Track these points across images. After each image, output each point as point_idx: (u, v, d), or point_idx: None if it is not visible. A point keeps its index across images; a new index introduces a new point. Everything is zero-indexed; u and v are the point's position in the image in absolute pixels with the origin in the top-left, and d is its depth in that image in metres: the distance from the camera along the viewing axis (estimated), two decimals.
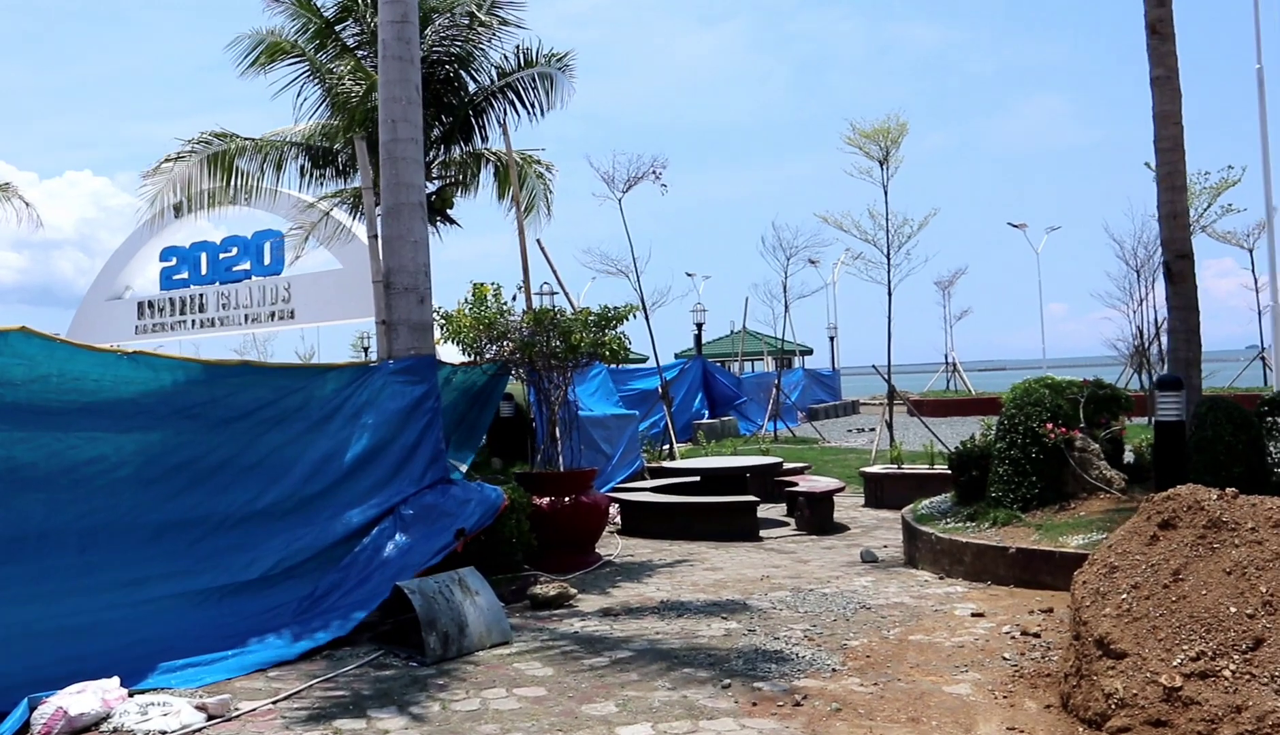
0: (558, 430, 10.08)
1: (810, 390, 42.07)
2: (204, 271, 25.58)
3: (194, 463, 7.01)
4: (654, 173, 21.61)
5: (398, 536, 7.91)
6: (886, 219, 19.83)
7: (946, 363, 48.13)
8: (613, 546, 11.15)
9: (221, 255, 25.38)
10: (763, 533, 11.85)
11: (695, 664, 6.24)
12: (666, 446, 20.17)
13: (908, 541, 9.83)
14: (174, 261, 26.30)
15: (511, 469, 15.43)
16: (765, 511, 12.91)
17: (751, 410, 31.42)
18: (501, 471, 15.89)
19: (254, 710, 5.51)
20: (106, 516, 6.39)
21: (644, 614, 7.79)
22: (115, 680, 5.54)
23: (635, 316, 9.96)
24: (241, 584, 7.05)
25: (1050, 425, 9.13)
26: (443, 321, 9.68)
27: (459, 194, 18.45)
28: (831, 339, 50.73)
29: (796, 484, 13.00)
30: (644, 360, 36.62)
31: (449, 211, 17.53)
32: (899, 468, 14.95)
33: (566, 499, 9.64)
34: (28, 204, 29.73)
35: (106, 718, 5.22)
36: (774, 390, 27.81)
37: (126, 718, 5.16)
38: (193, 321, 25.78)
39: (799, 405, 35.60)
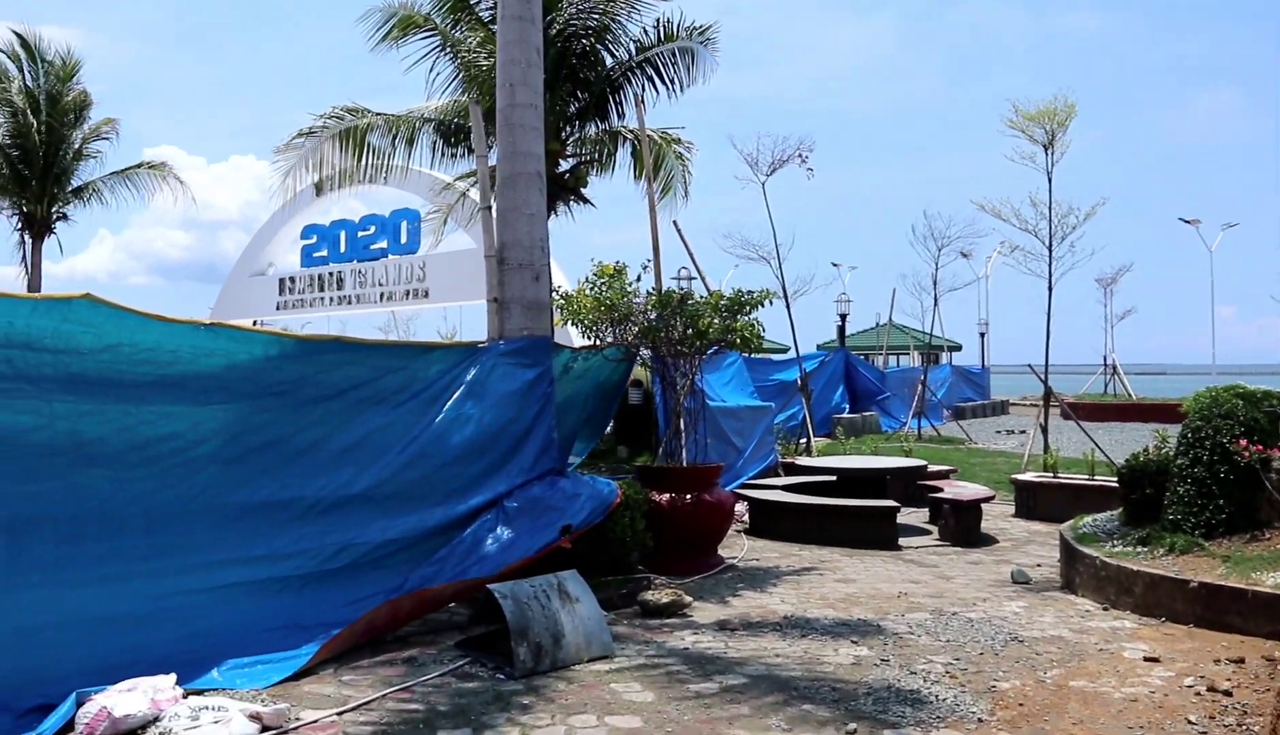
0: (683, 422, 9.33)
1: (957, 388, 40.34)
2: (343, 249, 25.80)
3: (281, 443, 6.52)
4: (800, 156, 20.61)
5: (499, 530, 7.31)
6: (1050, 207, 18.34)
7: (1105, 365, 45.53)
8: (737, 548, 10.36)
9: (360, 233, 25.54)
10: (902, 541, 10.89)
11: (816, 699, 5.41)
12: (803, 440, 19.25)
13: (1066, 563, 8.75)
14: (314, 239, 26.62)
15: (637, 459, 14.81)
16: (905, 517, 11.91)
17: (894, 406, 30.13)
18: (627, 461, 15.28)
19: (314, 722, 4.94)
20: (179, 496, 5.94)
21: (764, 631, 6.98)
22: (170, 678, 5.06)
23: (771, 302, 9.12)
24: (326, 573, 6.54)
25: (1244, 442, 7.91)
26: (561, 301, 9.05)
27: (594, 173, 17.88)
28: (982, 335, 48.63)
29: (941, 489, 11.96)
30: (784, 350, 35.64)
31: (583, 191, 16.99)
32: (1054, 476, 13.70)
33: (688, 496, 8.90)
34: (182, 183, 30.59)
35: (155, 720, 4.73)
36: (919, 386, 26.45)
37: (176, 722, 4.66)
38: (330, 298, 26.03)
39: (945, 403, 34.03)
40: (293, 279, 27.30)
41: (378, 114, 16.25)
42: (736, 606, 7.78)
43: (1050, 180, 18.65)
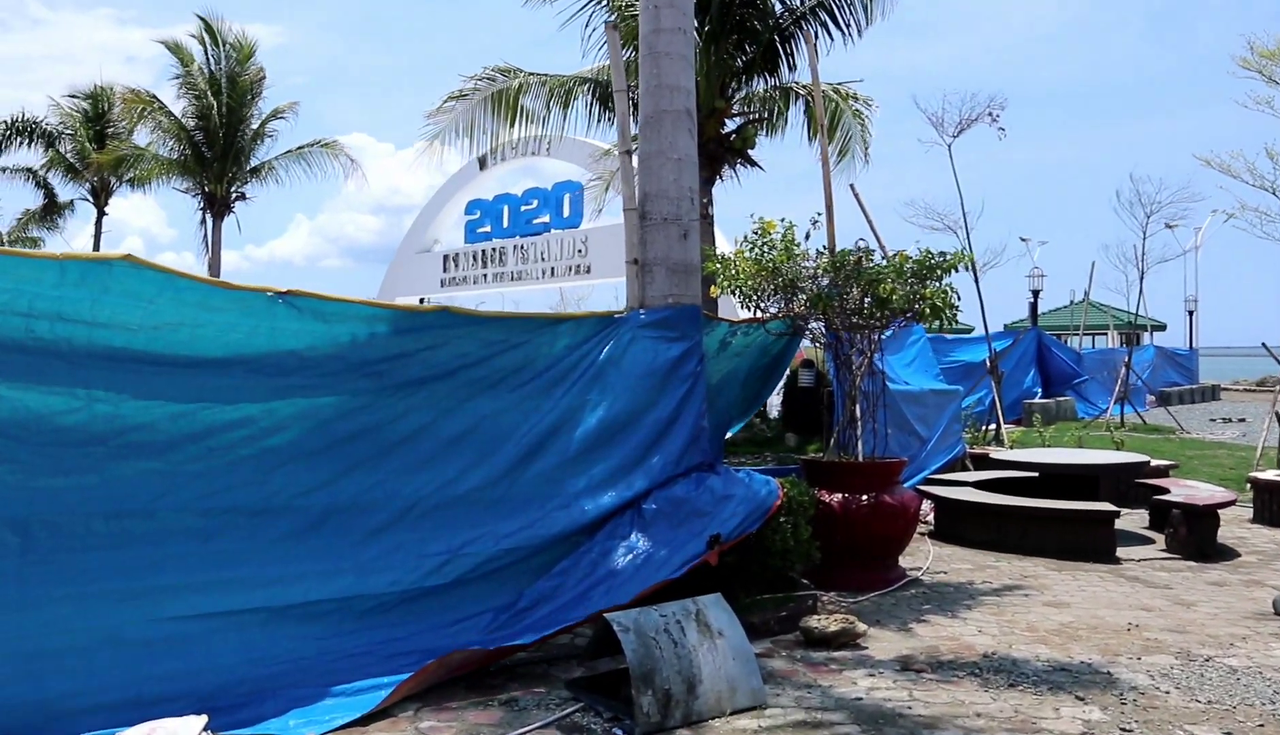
0: (858, 408, 7.93)
1: (1162, 371, 36.98)
2: (505, 224, 25.18)
3: (374, 432, 5.49)
4: (990, 114, 18.56)
5: (633, 538, 6.10)
6: None
7: (1269, 352, 41.01)
8: (921, 557, 8.88)
9: (523, 208, 24.84)
10: (1120, 552, 9.17)
11: None
12: (992, 428, 17.40)
13: None
14: (477, 215, 26.10)
15: (809, 448, 13.40)
16: (1121, 522, 10.13)
17: (1091, 391, 27.59)
18: (796, 449, 13.88)
19: None
20: (248, 496, 4.98)
21: (958, 674, 5.56)
22: (199, 721, 4.06)
23: (968, 267, 7.60)
24: (425, 590, 5.48)
25: None
26: (718, 265, 7.75)
27: (763, 134, 16.50)
28: (1190, 313, 44.66)
29: (1167, 490, 10.13)
30: (968, 330, 33.28)
31: (750, 153, 15.64)
32: None
33: (864, 497, 7.50)
34: (353, 161, 30.73)
35: None
36: (1123, 369, 23.95)
37: None
38: (493, 275, 25.47)
39: (1148, 388, 31.10)
40: (457, 256, 26.90)
41: (531, 74, 15.29)
42: (922, 636, 6.37)
43: None
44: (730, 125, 15.46)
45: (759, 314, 7.73)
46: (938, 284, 7.39)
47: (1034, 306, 29.72)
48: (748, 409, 9.17)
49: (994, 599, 7.40)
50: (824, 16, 14.55)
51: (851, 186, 14.47)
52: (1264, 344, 17.48)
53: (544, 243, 24.35)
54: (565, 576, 5.92)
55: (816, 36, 14.61)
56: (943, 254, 7.46)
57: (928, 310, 7.24)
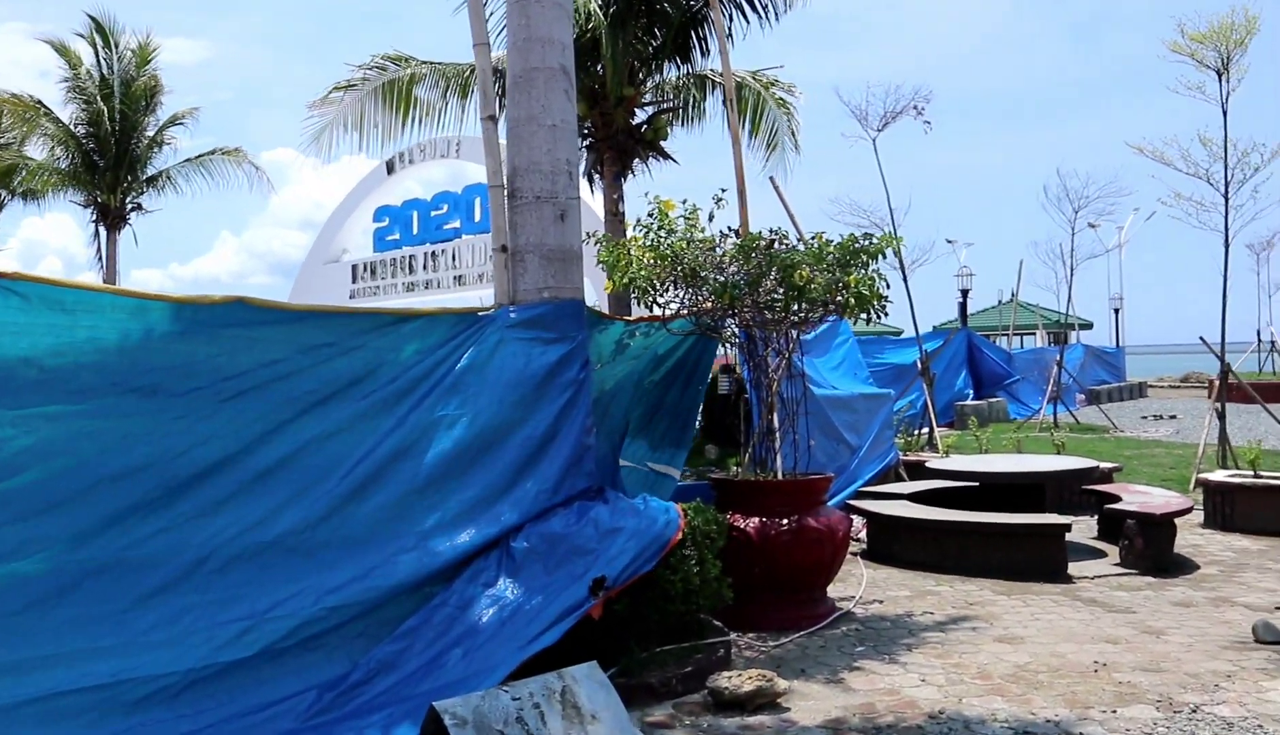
0: (776, 416, 6.86)
1: (1091, 369, 36.70)
2: (415, 231, 23.82)
3: (152, 468, 4.26)
4: (915, 107, 17.76)
5: (500, 585, 4.93)
6: (1225, 145, 15.21)
7: (1259, 340, 41.15)
8: (853, 582, 7.84)
9: (432, 213, 23.49)
10: (1072, 567, 8.23)
11: None
12: (925, 432, 16.53)
13: None
14: (386, 222, 24.72)
15: (731, 460, 12.31)
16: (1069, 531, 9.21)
17: (1024, 391, 27.06)
18: (718, 462, 12.77)
19: None
20: None
21: None
22: None
23: (895, 252, 6.57)
24: (224, 666, 4.25)
25: None
26: (605, 256, 6.63)
27: (678, 126, 15.45)
28: (1116, 311, 44.67)
29: (1118, 498, 9.22)
30: (898, 332, 32.60)
31: (663, 145, 14.56)
32: (1255, 475, 10.80)
33: (784, 521, 6.43)
34: (258, 168, 29.25)
35: None
36: (1055, 368, 23.35)
37: None
38: (404, 285, 24.12)
39: (1080, 386, 30.70)
40: (366, 265, 25.49)
41: (425, 62, 14.05)
42: (855, 689, 5.30)
43: (1225, 114, 15.51)
44: (641, 115, 14.37)
45: (653, 308, 6.61)
46: (863, 271, 6.35)
47: (963, 306, 29.12)
48: (677, 424, 8.00)
49: (938, 635, 6.36)
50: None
51: (771, 179, 13.44)
52: (1201, 338, 16.84)
53: (455, 249, 23.08)
54: (413, 638, 4.73)
55: (731, 19, 13.61)
56: (868, 236, 6.43)
57: (852, 301, 6.16)
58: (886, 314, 6.52)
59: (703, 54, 14.10)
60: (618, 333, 7.00)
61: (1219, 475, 11.05)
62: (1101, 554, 9.05)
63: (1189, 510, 8.94)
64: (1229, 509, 10.56)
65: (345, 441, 4.84)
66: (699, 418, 14.53)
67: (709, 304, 6.41)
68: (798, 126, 15.90)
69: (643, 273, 6.33)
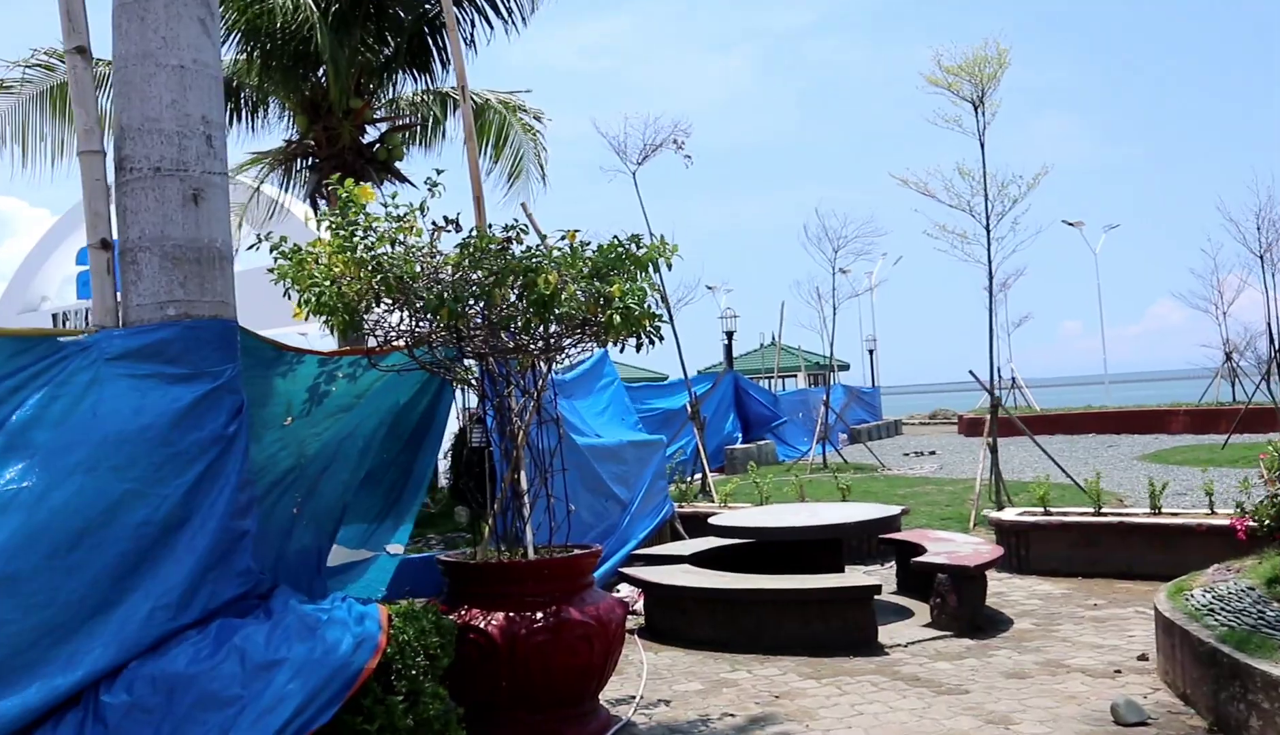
0: (523, 474, 5.25)
1: (851, 409, 37.18)
2: None
3: None
4: (675, 141, 16.78)
5: None
6: (984, 176, 14.90)
7: (997, 376, 43.02)
8: (632, 672, 6.31)
9: None
10: (881, 632, 7.01)
11: None
12: (697, 478, 15.36)
13: (1212, 686, 4.95)
14: (89, 266, 21.69)
15: (485, 525, 10.59)
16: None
17: (790, 433, 26.75)
18: (470, 527, 11.05)
19: None
20: None
21: None
22: None
23: (669, 263, 5.08)
24: None
25: None
26: (283, 268, 4.84)
27: (416, 145, 13.77)
28: (871, 352, 45.80)
29: (922, 548, 8.12)
30: (663, 378, 31.74)
31: (398, 166, 12.80)
32: (1046, 513, 10.07)
33: (539, 614, 4.80)
34: None
35: None
36: (823, 408, 22.94)
37: None
38: None
39: (846, 425, 30.79)
40: (67, 316, 22.22)
41: (108, 63, 11.76)
42: None
43: (983, 145, 15.26)
44: (373, 134, 12.59)
45: (345, 336, 4.87)
46: (632, 283, 4.84)
47: (729, 348, 28.56)
48: (396, 489, 6.23)
49: None
50: (480, 1, 12.04)
51: (524, 205, 11.91)
52: (971, 371, 16.51)
53: None
54: None
55: (473, 24, 12.09)
56: (635, 238, 4.94)
57: (616, 319, 4.62)
58: (661, 338, 5.04)
59: (443, 65, 12.50)
60: (310, 373, 5.22)
61: (1010, 515, 10.24)
62: (907, 612, 7.92)
63: (999, 559, 7.92)
64: (1024, 550, 9.79)
65: None
66: (443, 477, 12.79)
67: (425, 328, 4.72)
68: (546, 156, 14.54)
69: (334, 288, 4.59)
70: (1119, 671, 6.06)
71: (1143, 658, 6.32)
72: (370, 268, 4.57)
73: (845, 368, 47.19)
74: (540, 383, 5.14)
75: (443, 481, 13.24)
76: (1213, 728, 4.90)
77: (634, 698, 5.82)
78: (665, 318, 4.91)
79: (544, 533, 5.24)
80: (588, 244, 4.74)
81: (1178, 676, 5.46)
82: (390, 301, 4.60)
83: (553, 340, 4.84)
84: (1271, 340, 21.77)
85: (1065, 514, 10.03)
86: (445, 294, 4.32)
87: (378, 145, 12.46)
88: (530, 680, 4.76)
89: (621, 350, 4.94)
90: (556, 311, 4.40)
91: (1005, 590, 8.81)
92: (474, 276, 4.51)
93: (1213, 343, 30.64)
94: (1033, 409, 37.02)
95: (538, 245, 4.57)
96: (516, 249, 4.55)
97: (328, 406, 5.45)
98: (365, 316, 4.72)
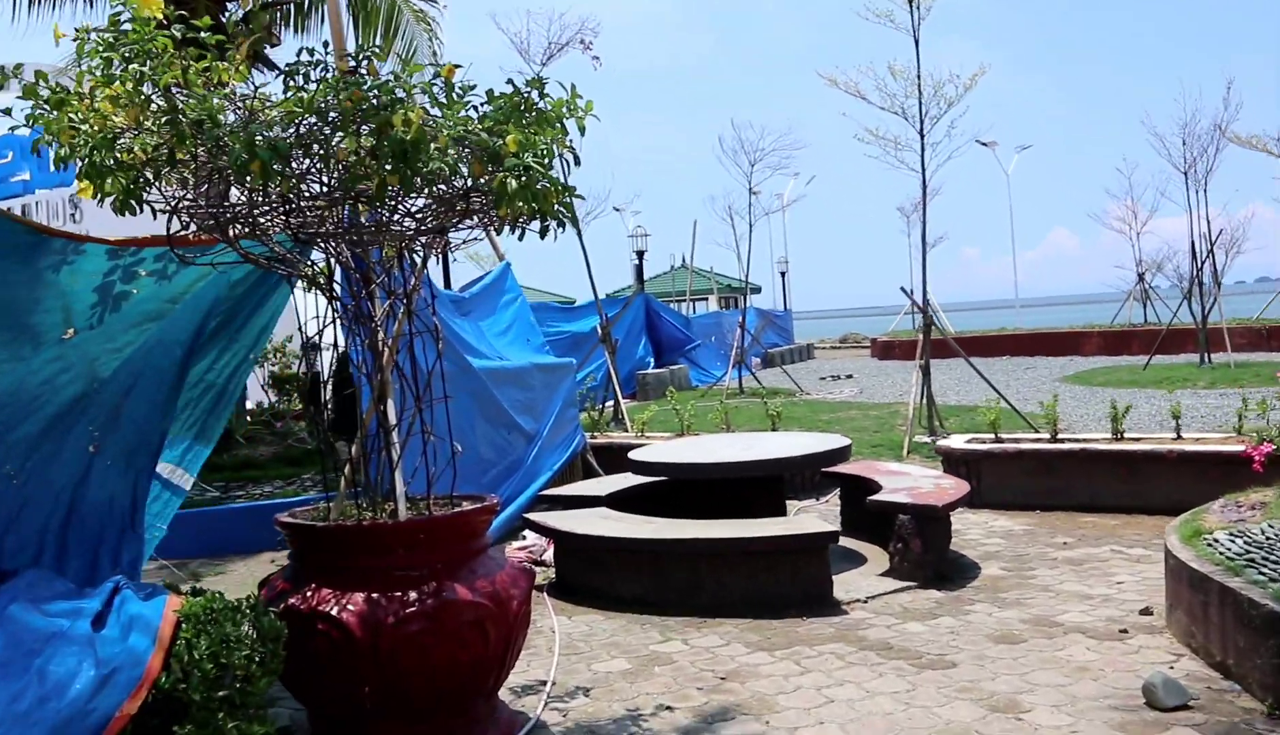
0: (391, 404, 3.93)
1: (765, 333, 36.38)
2: None
3: None
4: (583, 41, 15.21)
5: None
6: (919, 77, 13.73)
7: (928, 294, 42.55)
8: (543, 648, 5.09)
9: None
10: (837, 587, 5.90)
11: None
12: (609, 405, 14.17)
13: (1277, 659, 3.91)
14: None
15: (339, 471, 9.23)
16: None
17: (703, 356, 25.74)
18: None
19: None
20: None
21: None
22: None
23: (580, 126, 3.72)
24: None
25: None
26: (38, 114, 3.41)
27: (289, 30, 12.09)
28: (783, 275, 44.99)
29: (876, 484, 7.02)
30: (571, 301, 30.28)
31: (268, 53, 11.15)
32: (997, 440, 9.11)
33: (414, 595, 3.53)
34: None
35: None
36: (739, 332, 21.89)
37: None
38: None
39: (761, 348, 29.93)
40: None
41: None
42: None
43: (917, 44, 14.12)
44: (237, 10, 10.88)
45: (131, 205, 3.44)
46: (537, 138, 3.49)
47: (639, 269, 27.20)
48: (203, 414, 4.88)
49: None
50: None
51: None
52: (904, 288, 15.55)
53: (23, 207, 18.24)
54: None
55: None
56: (536, 82, 3.57)
57: (511, 183, 3.24)
58: (573, 219, 3.72)
59: None
60: (96, 269, 3.83)
61: (959, 442, 9.26)
62: (859, 558, 6.84)
63: (966, 496, 6.86)
64: (976, 481, 8.76)
65: None
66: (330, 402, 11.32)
67: (243, 202, 3.33)
68: (442, 47, 12.98)
69: (101, 136, 3.18)
70: (1124, 631, 5.05)
71: (1146, 612, 5.33)
72: (154, 108, 3.16)
73: (757, 291, 46.32)
74: (413, 280, 3.79)
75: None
76: (1274, 710, 3.87)
77: (544, 684, 4.61)
78: (570, 159, 3.57)
79: (421, 480, 3.93)
80: (472, 87, 3.38)
81: (1212, 642, 4.43)
82: (190, 161, 3.20)
83: (426, 215, 3.47)
84: (1194, 256, 21.25)
85: (1018, 441, 9.09)
86: (258, 140, 2.93)
87: (242, 22, 10.76)
88: (404, 682, 3.49)
89: (520, 236, 3.61)
90: (424, 169, 3.04)
91: (961, 526, 7.80)
92: (309, 122, 3.13)
93: (1126, 264, 30.31)
94: (948, 331, 36.60)
95: (398, 72, 3.18)
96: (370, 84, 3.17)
97: (128, 314, 4.07)
98: (153, 185, 3.30)
